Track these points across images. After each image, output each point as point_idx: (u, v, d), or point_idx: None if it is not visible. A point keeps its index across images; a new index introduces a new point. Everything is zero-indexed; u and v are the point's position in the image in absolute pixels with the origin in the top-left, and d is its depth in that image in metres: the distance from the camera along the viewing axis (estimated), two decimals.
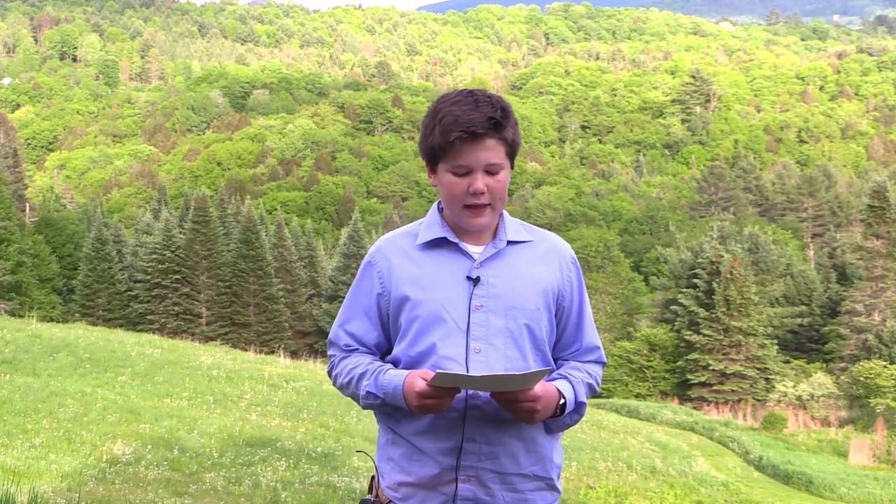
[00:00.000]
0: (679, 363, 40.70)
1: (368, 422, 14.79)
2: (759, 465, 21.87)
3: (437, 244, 2.53)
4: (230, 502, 8.38)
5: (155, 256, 49.85)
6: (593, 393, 2.63)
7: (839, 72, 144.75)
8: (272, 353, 36.42)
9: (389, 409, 2.50)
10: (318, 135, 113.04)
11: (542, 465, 2.53)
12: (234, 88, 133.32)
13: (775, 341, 41.05)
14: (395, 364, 2.52)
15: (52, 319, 34.76)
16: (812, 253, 65.13)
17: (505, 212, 2.57)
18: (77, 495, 7.44)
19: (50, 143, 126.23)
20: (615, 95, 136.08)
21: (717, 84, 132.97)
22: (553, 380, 2.51)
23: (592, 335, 2.66)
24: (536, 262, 2.55)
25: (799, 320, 44.64)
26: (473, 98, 2.44)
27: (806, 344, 45.35)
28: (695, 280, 41.89)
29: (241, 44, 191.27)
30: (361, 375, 2.52)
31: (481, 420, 2.44)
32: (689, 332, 40.27)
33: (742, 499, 15.80)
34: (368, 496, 2.59)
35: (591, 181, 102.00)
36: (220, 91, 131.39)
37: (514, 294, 2.49)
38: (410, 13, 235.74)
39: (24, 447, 9.58)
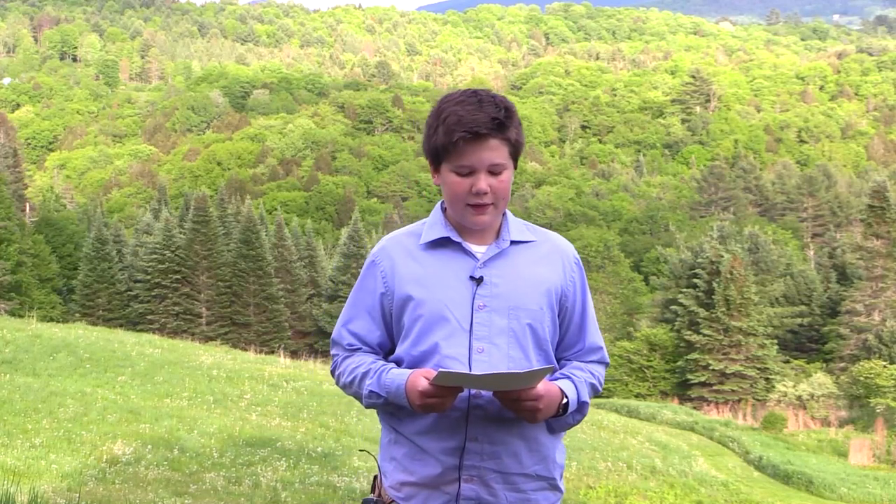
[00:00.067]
0: (679, 363, 40.71)
1: (368, 422, 14.79)
2: (759, 465, 21.88)
3: (440, 244, 2.53)
4: (230, 502, 8.38)
5: (155, 256, 49.85)
6: (596, 393, 2.63)
7: (839, 72, 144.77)
8: (272, 353, 36.46)
9: (392, 409, 2.50)
10: (318, 135, 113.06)
11: (545, 464, 2.53)
12: (234, 88, 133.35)
13: (775, 341, 41.05)
14: (398, 363, 2.52)
15: (52, 319, 34.78)
16: (812, 253, 65.11)
17: (508, 212, 2.57)
18: (77, 495, 7.44)
19: (50, 143, 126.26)
20: (615, 95, 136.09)
21: (717, 84, 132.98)
22: (556, 379, 2.52)
23: (595, 335, 2.66)
24: (540, 262, 2.55)
25: (799, 320, 44.65)
26: (477, 98, 2.44)
27: (806, 344, 45.35)
28: (695, 280, 41.90)
29: (241, 44, 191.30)
30: (364, 374, 2.52)
31: (484, 419, 2.44)
32: (689, 332, 40.27)
33: (742, 499, 15.81)
34: (371, 495, 2.59)
35: (591, 181, 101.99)
36: (220, 91, 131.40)
37: (517, 294, 2.49)
38: (410, 13, 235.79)
39: (24, 447, 9.58)
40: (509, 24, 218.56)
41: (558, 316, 2.57)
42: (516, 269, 2.51)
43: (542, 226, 2.68)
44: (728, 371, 38.87)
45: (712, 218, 72.25)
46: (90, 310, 48.01)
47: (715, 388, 38.86)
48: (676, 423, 28.69)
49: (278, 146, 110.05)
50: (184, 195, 73.88)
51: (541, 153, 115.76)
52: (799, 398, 35.07)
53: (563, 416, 2.49)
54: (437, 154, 2.48)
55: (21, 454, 9.16)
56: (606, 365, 2.69)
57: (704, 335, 39.56)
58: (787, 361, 41.51)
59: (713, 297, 39.73)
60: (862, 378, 33.31)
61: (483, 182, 2.43)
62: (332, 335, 2.68)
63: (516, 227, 2.57)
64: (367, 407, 2.55)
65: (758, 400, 37.10)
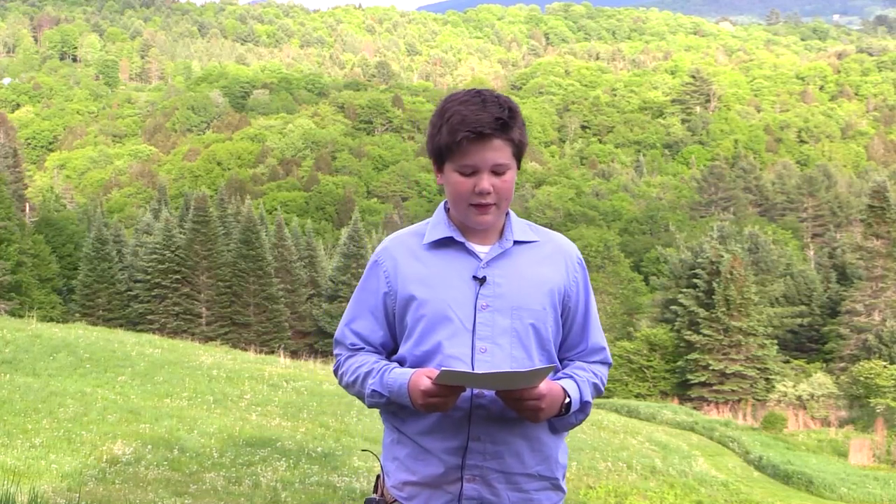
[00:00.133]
0: (679, 363, 40.71)
1: (368, 421, 14.80)
2: (759, 464, 21.88)
3: (443, 244, 2.53)
4: (230, 502, 8.38)
5: (155, 256, 49.85)
6: (598, 393, 2.63)
7: (839, 72, 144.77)
8: (272, 353, 36.46)
9: (395, 408, 2.50)
10: (318, 135, 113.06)
11: (548, 464, 2.53)
12: (234, 88, 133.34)
13: (775, 341, 41.06)
14: (401, 363, 2.53)
15: (52, 319, 34.78)
16: (812, 253, 65.11)
17: (511, 212, 2.58)
18: (77, 495, 7.43)
19: (50, 143, 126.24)
20: (615, 95, 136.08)
21: (717, 84, 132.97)
22: (558, 379, 2.52)
23: (598, 336, 2.65)
24: (542, 262, 2.55)
25: (799, 320, 44.65)
26: (481, 98, 2.44)
27: (806, 344, 45.36)
28: (695, 280, 41.91)
29: (241, 44, 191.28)
30: (367, 374, 2.52)
31: (486, 419, 2.43)
32: (689, 332, 40.28)
33: (742, 499, 15.81)
34: (374, 495, 2.59)
35: (591, 181, 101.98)
36: (220, 91, 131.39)
37: (519, 294, 2.49)
38: (410, 13, 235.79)
39: (24, 447, 9.58)
40: (509, 24, 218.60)
41: (561, 316, 2.57)
42: (519, 270, 2.51)
43: (543, 226, 2.68)
44: (728, 371, 38.88)
45: (712, 218, 72.26)
46: (90, 310, 48.02)
47: (715, 388, 38.87)
48: (676, 423, 28.69)
49: (278, 146, 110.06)
50: (184, 195, 73.88)
51: (541, 153, 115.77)
52: (799, 398, 35.07)
53: (566, 416, 2.49)
54: (441, 154, 2.48)
55: (21, 454, 9.16)
56: (609, 365, 2.69)
57: (704, 335, 39.57)
58: (787, 361, 41.52)
59: (713, 297, 39.74)
60: (862, 378, 33.32)
61: (486, 182, 2.44)
62: (336, 335, 2.68)
63: (519, 227, 2.57)
64: (370, 406, 2.55)
65: (758, 400, 37.11)
